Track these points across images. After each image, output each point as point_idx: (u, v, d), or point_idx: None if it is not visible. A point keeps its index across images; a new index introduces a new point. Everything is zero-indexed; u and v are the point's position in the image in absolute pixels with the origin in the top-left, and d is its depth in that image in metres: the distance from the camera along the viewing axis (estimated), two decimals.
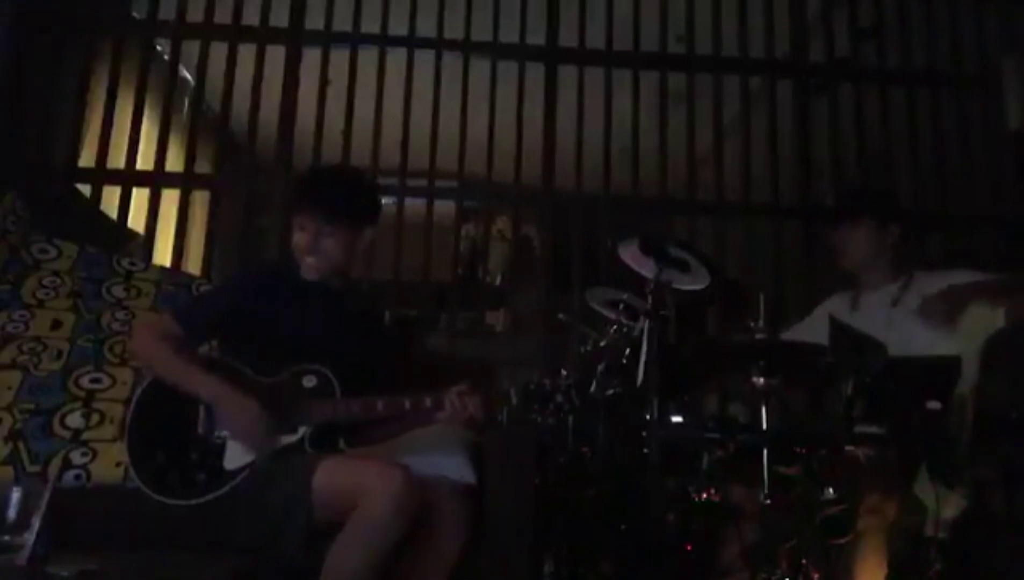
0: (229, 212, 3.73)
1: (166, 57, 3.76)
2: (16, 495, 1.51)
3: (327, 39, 3.73)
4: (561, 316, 3.44)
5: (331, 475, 1.72)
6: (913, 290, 2.34)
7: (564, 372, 2.43)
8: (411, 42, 3.75)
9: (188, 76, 3.83)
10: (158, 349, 1.85)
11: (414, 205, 3.63)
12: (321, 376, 1.87)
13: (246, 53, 3.67)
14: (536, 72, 3.76)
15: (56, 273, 2.56)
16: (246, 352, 1.90)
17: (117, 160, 3.53)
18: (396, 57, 3.72)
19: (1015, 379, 2.14)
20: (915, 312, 2.26)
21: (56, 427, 2.12)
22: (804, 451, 2.01)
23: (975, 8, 3.89)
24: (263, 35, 3.69)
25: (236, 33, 3.68)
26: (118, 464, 2.03)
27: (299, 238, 1.96)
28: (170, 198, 3.58)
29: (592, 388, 2.44)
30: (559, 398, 1.86)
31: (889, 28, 3.87)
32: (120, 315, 2.47)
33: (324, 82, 3.68)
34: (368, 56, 3.71)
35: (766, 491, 1.93)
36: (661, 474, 2.02)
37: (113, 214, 3.47)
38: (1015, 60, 3.64)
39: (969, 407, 2.10)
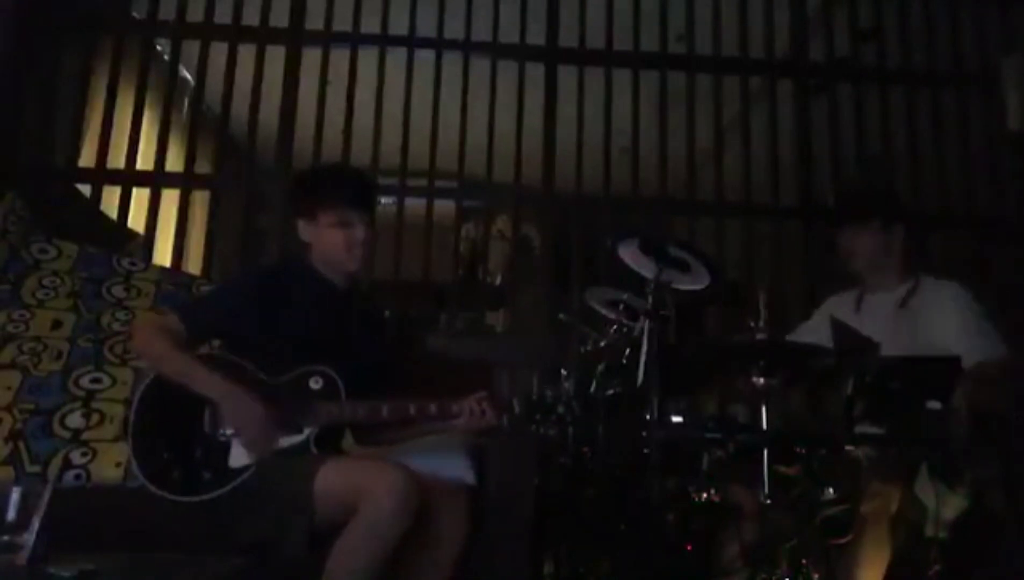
0: (229, 212, 3.73)
1: (166, 57, 3.76)
2: (16, 495, 1.51)
3: (327, 39, 3.73)
4: (561, 316, 3.44)
5: (334, 476, 1.72)
6: (920, 294, 2.34)
7: (564, 372, 2.44)
8: (411, 42, 3.75)
9: (188, 76, 3.83)
10: (162, 345, 1.84)
11: (414, 205, 3.63)
12: (327, 377, 1.87)
13: (246, 53, 3.67)
14: (536, 72, 3.76)
15: (56, 273, 2.56)
16: (251, 352, 1.90)
17: (117, 160, 3.53)
18: (396, 57, 3.72)
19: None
20: (921, 315, 2.25)
21: (56, 427, 2.12)
22: (804, 451, 2.01)
23: (975, 8, 3.89)
24: (263, 35, 3.69)
25: (236, 33, 3.68)
26: (118, 464, 2.04)
27: (348, 235, 1.95)
28: (170, 198, 3.58)
29: (592, 388, 2.44)
30: (560, 409, 1.87)
31: (889, 28, 3.86)
32: (120, 315, 2.47)
33: (324, 82, 3.68)
34: (368, 56, 3.71)
35: (766, 491, 1.93)
36: (661, 474, 2.02)
37: (113, 214, 3.47)
38: (1015, 60, 3.63)
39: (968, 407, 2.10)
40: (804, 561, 1.99)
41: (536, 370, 3.05)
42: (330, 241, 1.97)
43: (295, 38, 3.70)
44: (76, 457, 2.06)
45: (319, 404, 1.85)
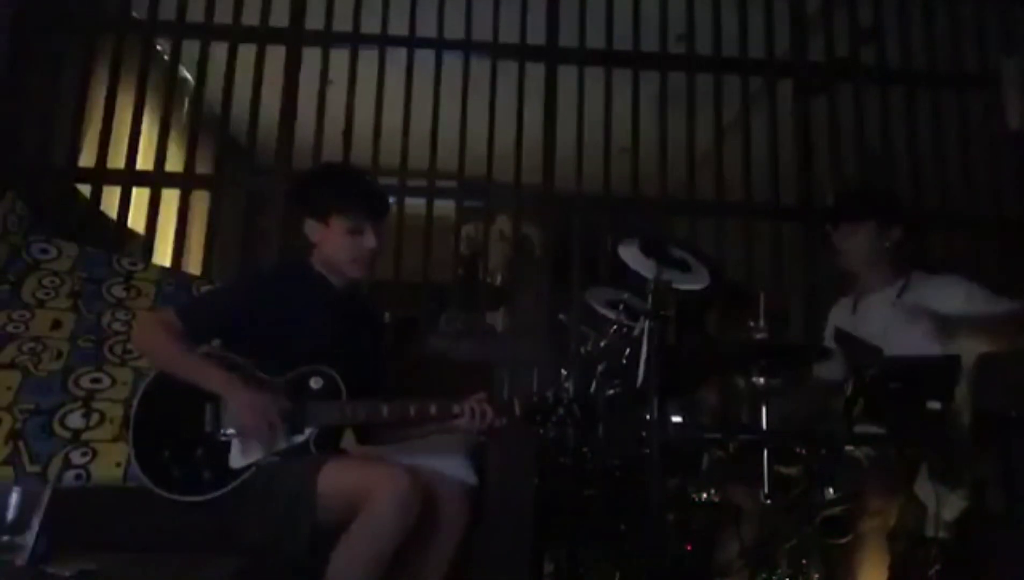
0: (229, 212, 3.73)
1: (166, 57, 3.76)
2: (16, 495, 1.51)
3: (327, 39, 3.72)
4: (561, 316, 3.44)
5: (336, 476, 1.72)
6: (911, 292, 2.34)
7: (564, 373, 2.44)
8: (411, 42, 3.75)
9: (188, 76, 3.83)
10: (164, 341, 1.84)
11: (414, 205, 3.63)
12: (327, 377, 1.87)
13: (246, 53, 3.66)
14: (536, 72, 3.76)
15: (56, 273, 2.56)
16: (251, 352, 1.90)
17: (117, 160, 3.53)
18: (396, 57, 3.72)
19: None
20: (913, 313, 2.26)
21: (56, 427, 2.12)
22: (804, 451, 2.01)
23: (975, 8, 3.88)
24: (263, 35, 3.69)
25: (236, 33, 3.68)
26: (118, 464, 2.04)
27: (357, 243, 1.96)
28: (170, 198, 3.58)
29: (592, 388, 2.44)
30: (561, 412, 1.87)
31: (889, 28, 3.86)
32: (120, 315, 2.47)
33: (324, 82, 3.68)
34: (368, 56, 3.71)
35: (766, 491, 1.94)
36: (661, 474, 2.02)
37: (113, 214, 3.47)
38: (1015, 60, 3.63)
39: (968, 407, 2.10)
40: (804, 561, 2.00)
41: (536, 370, 3.06)
42: (338, 246, 1.97)
43: (295, 38, 3.70)
44: (76, 457, 2.06)
45: (319, 404, 1.85)
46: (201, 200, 3.66)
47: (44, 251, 2.61)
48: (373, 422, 1.95)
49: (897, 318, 2.27)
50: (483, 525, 1.91)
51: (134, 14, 3.80)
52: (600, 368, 2.48)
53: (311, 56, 3.69)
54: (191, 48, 3.66)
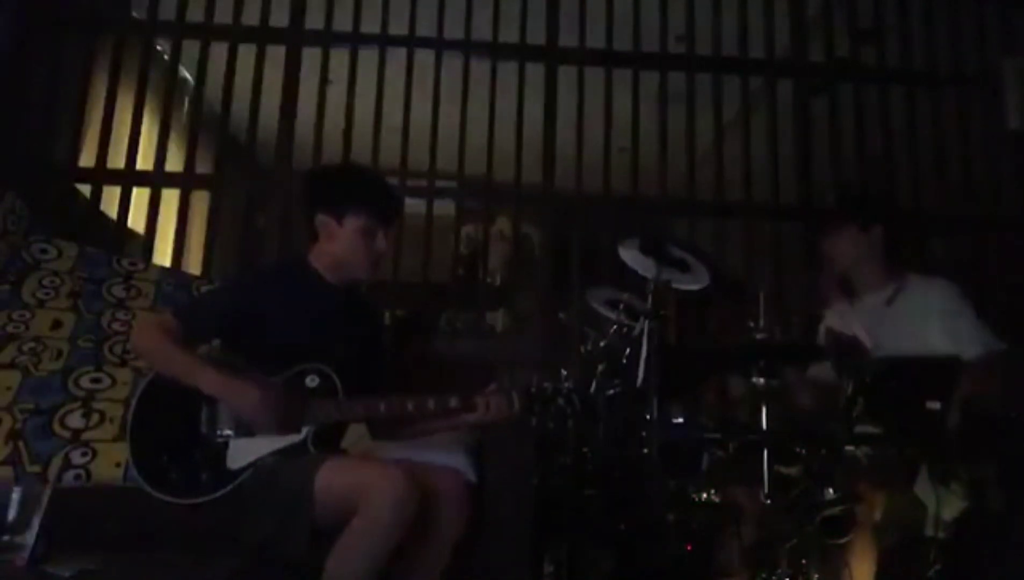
0: (229, 212, 3.73)
1: (166, 57, 3.76)
2: (16, 495, 1.51)
3: (327, 39, 3.72)
4: (561, 316, 3.44)
5: (334, 476, 1.72)
6: (906, 294, 2.34)
7: (564, 372, 2.44)
8: (411, 42, 3.75)
9: (188, 76, 3.83)
10: (161, 344, 1.84)
11: (414, 205, 3.63)
12: (324, 376, 1.87)
13: (246, 53, 3.66)
14: (536, 72, 3.76)
15: (56, 273, 2.56)
16: (248, 351, 1.90)
17: (117, 160, 3.53)
18: (396, 57, 3.72)
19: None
20: (907, 316, 2.26)
21: (56, 427, 2.12)
22: (804, 451, 2.01)
23: (975, 8, 3.88)
24: (263, 35, 3.69)
25: (236, 33, 3.68)
26: (118, 464, 2.04)
27: (368, 245, 1.97)
28: (170, 198, 3.58)
29: (592, 388, 2.44)
30: (560, 402, 1.86)
31: (889, 28, 3.86)
32: (120, 315, 2.47)
33: (324, 82, 3.68)
34: (368, 56, 3.71)
35: (766, 491, 1.93)
36: (661, 474, 2.02)
37: (113, 214, 3.47)
38: (1015, 60, 3.63)
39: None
40: (804, 561, 1.99)
41: (536, 370, 3.06)
42: (348, 245, 1.97)
43: (295, 38, 3.70)
44: (76, 457, 2.06)
45: (316, 402, 1.85)
46: (201, 200, 3.66)
47: (44, 251, 2.61)
48: (371, 419, 1.94)
49: (887, 321, 2.28)
50: (483, 525, 1.91)
51: (134, 14, 3.80)
52: (600, 368, 2.48)
53: (311, 56, 3.69)
54: (191, 48, 3.66)
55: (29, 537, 1.45)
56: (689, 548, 2.21)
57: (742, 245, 3.72)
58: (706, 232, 3.76)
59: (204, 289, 2.64)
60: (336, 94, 3.67)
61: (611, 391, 2.41)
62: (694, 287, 2.22)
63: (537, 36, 3.79)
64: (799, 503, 1.97)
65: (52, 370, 2.26)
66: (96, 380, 2.26)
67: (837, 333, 2.24)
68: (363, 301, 2.17)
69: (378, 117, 3.67)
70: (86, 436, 2.12)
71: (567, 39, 3.80)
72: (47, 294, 2.49)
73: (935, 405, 1.92)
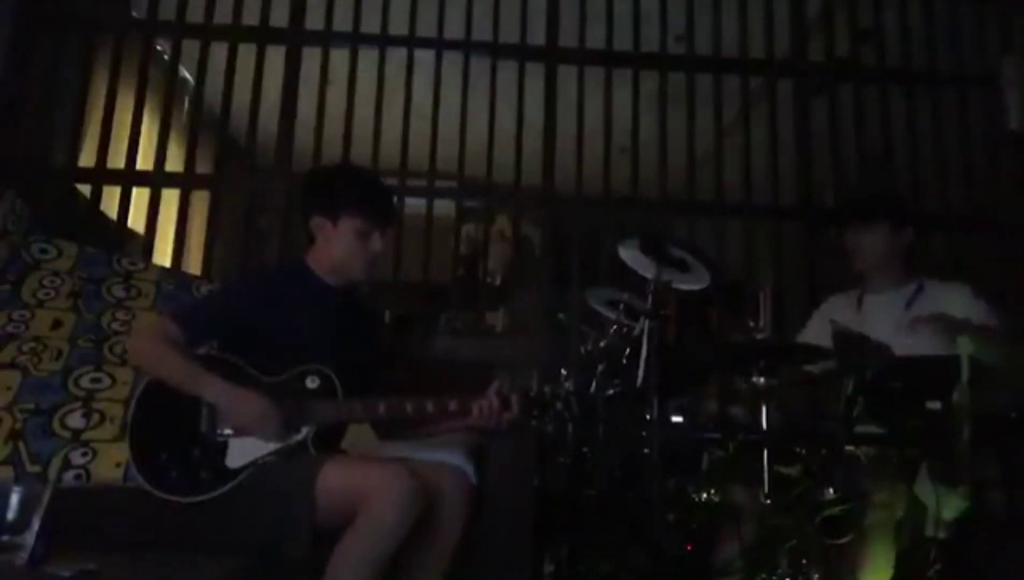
0: (229, 212, 3.73)
1: (166, 57, 3.76)
2: (16, 495, 1.51)
3: (327, 39, 3.72)
4: (561, 316, 3.44)
5: (337, 476, 1.72)
6: (926, 298, 2.34)
7: (564, 372, 2.44)
8: (411, 42, 3.75)
9: (188, 76, 3.83)
10: (159, 351, 1.84)
11: (414, 205, 3.63)
12: (324, 376, 1.87)
13: (246, 53, 3.66)
14: (536, 72, 3.75)
15: (56, 273, 2.55)
16: (247, 352, 1.90)
17: (117, 160, 3.53)
18: (396, 57, 3.72)
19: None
20: (927, 319, 2.26)
21: (56, 427, 2.12)
22: (804, 451, 2.01)
23: (975, 8, 3.88)
24: (263, 35, 3.69)
25: (236, 33, 3.68)
26: (118, 464, 2.03)
27: (365, 246, 1.98)
28: (170, 198, 3.58)
29: (592, 388, 2.44)
30: (559, 406, 1.87)
31: (889, 28, 3.86)
32: (120, 315, 2.47)
33: (324, 82, 3.68)
34: (368, 56, 3.71)
35: (766, 491, 1.94)
36: (661, 474, 2.02)
37: (113, 214, 3.47)
38: (1015, 60, 3.63)
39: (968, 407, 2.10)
40: (804, 561, 2.00)
41: (536, 370, 3.06)
42: (344, 247, 1.97)
43: (295, 38, 3.70)
44: (76, 457, 2.06)
45: (316, 403, 1.85)
46: (201, 200, 3.66)
47: (44, 251, 2.61)
48: (371, 420, 1.94)
49: (903, 326, 2.27)
50: (483, 525, 1.91)
51: (134, 14, 3.80)
52: (600, 368, 2.48)
53: (311, 56, 3.69)
54: (191, 48, 3.66)
55: (29, 537, 1.45)
56: (689, 548, 2.21)
57: (742, 245, 3.72)
58: (706, 232, 3.76)
59: (204, 290, 2.64)
60: (336, 94, 3.67)
61: (611, 391, 2.41)
62: (694, 287, 2.22)
63: (537, 36, 3.79)
64: (799, 503, 1.97)
65: (52, 370, 2.26)
66: (96, 380, 2.26)
67: (843, 328, 2.23)
68: (362, 302, 2.17)
69: (378, 117, 3.66)
70: (86, 436, 2.11)
71: (567, 39, 3.79)
72: (47, 294, 2.48)
73: (935, 405, 1.92)
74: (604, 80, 3.77)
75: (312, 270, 2.02)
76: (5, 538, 1.47)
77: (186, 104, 4.16)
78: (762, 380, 2.00)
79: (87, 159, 3.52)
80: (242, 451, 1.80)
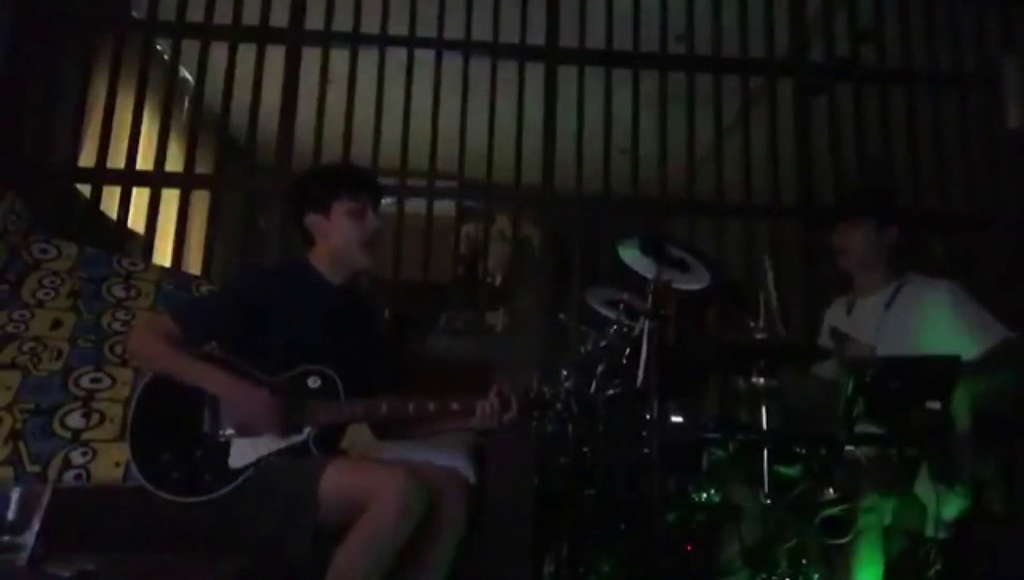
0: (229, 212, 3.73)
1: (166, 57, 3.76)
2: (16, 495, 1.50)
3: (327, 39, 3.73)
4: (561, 316, 3.44)
5: (339, 477, 1.72)
6: (905, 295, 2.33)
7: (564, 372, 2.44)
8: (411, 42, 3.75)
9: (188, 76, 3.83)
10: (159, 345, 1.84)
11: (414, 205, 3.63)
12: (325, 377, 1.87)
13: (246, 53, 3.66)
14: (536, 72, 3.76)
15: (56, 273, 2.55)
16: (248, 352, 1.90)
17: (117, 160, 3.53)
18: (396, 57, 3.72)
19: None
20: (906, 316, 2.26)
21: (56, 427, 2.12)
22: (804, 451, 2.01)
23: (975, 8, 3.89)
24: (263, 35, 3.69)
25: (236, 33, 3.68)
26: (118, 464, 2.03)
27: (362, 224, 1.99)
28: (170, 198, 3.58)
29: (592, 388, 2.44)
30: (559, 406, 1.87)
31: (889, 28, 3.86)
32: (120, 315, 2.47)
33: (324, 82, 3.68)
34: (368, 56, 3.71)
35: (766, 491, 1.93)
36: (661, 474, 2.02)
37: (113, 214, 3.47)
38: (1015, 60, 3.63)
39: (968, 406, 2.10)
40: (804, 561, 1.99)
41: (536, 370, 3.06)
42: (343, 231, 1.98)
43: (295, 38, 3.70)
44: (76, 457, 2.06)
45: (318, 403, 1.85)
46: (201, 200, 3.66)
47: (44, 251, 2.61)
48: (372, 420, 1.94)
49: (889, 321, 2.28)
50: (483, 525, 1.91)
51: (134, 14, 3.80)
52: (600, 368, 2.48)
53: (311, 56, 3.69)
54: (191, 48, 3.66)
55: (29, 537, 1.44)
56: (689, 548, 2.21)
57: (742, 245, 3.72)
58: (706, 232, 3.76)
59: (204, 289, 2.64)
60: (336, 94, 3.67)
61: (611, 391, 2.41)
62: (694, 287, 2.22)
63: (537, 36, 3.79)
64: (799, 503, 1.97)
65: (52, 370, 2.26)
66: (96, 380, 2.26)
67: (842, 333, 2.25)
68: (364, 302, 2.17)
69: (378, 117, 3.67)
70: (86, 436, 2.11)
71: (567, 39, 3.80)
72: (47, 294, 2.48)
73: (935, 405, 1.92)
74: (604, 80, 3.77)
75: (314, 268, 2.02)
76: (5, 538, 1.47)
77: (186, 104, 4.16)
78: (762, 380, 2.00)
79: (87, 159, 3.52)
80: (244, 451, 1.80)
